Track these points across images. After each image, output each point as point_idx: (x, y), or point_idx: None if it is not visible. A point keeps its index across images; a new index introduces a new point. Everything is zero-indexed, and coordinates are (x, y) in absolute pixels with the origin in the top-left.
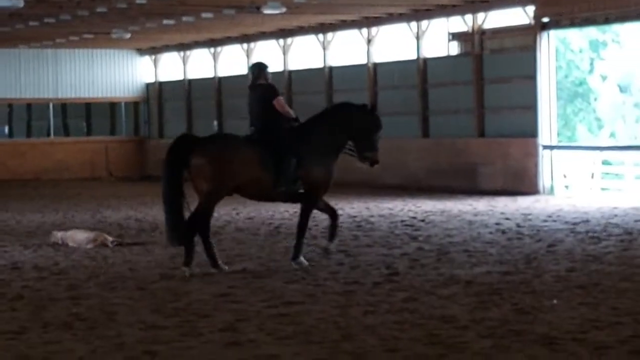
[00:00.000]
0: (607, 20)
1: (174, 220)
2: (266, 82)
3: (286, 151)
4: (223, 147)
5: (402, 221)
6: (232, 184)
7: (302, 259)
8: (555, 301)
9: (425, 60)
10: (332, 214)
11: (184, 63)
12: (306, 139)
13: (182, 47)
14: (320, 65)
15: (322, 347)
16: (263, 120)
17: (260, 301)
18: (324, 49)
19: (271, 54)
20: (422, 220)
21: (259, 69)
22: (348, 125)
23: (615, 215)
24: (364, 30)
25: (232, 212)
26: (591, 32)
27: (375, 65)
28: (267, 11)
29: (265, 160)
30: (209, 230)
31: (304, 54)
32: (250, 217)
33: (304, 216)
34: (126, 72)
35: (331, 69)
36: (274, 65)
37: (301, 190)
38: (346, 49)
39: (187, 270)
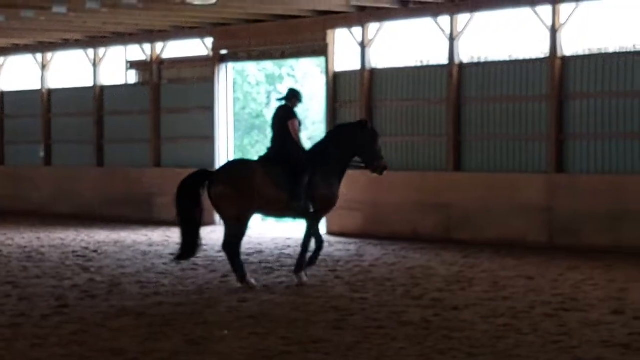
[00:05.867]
0: (283, 55)
1: (191, 240)
2: (290, 105)
3: (300, 170)
4: (242, 173)
5: (73, 252)
6: (255, 205)
7: (303, 274)
8: (226, 332)
9: (102, 87)
10: (320, 242)
11: None
12: (315, 160)
13: None
14: None
15: None
16: (280, 140)
17: None
18: None
19: None
20: (95, 251)
21: (292, 93)
22: (351, 143)
23: (289, 246)
24: (39, 55)
25: None
26: (268, 65)
27: (50, 91)
28: None
29: (280, 179)
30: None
31: None
32: None
33: (309, 233)
34: None
35: (2, 94)
36: None
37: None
38: (20, 73)
39: (252, 283)
